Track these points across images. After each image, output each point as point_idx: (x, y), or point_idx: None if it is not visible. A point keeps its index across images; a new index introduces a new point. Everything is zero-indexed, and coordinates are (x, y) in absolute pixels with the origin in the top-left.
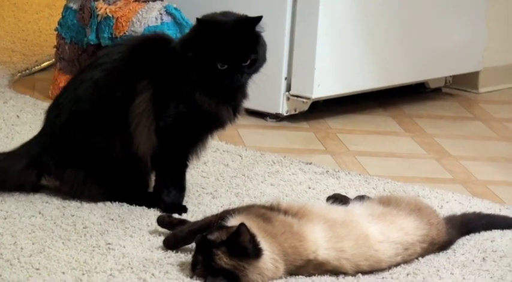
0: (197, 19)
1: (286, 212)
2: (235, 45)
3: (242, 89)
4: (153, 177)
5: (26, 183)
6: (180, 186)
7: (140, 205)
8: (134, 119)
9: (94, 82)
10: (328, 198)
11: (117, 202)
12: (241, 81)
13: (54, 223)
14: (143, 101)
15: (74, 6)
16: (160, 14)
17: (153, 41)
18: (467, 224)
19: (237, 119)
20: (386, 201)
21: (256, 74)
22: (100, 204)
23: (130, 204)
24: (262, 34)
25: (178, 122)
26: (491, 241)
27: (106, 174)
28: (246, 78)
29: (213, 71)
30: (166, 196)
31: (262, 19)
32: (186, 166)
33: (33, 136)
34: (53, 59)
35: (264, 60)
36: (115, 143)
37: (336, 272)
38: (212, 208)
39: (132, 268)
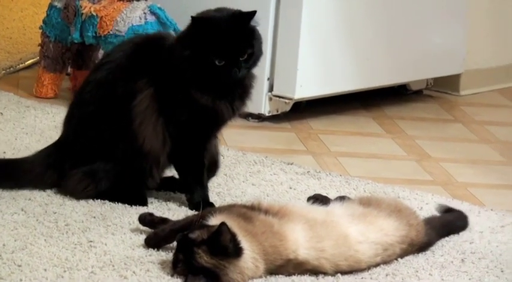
0: (191, 17)
1: (267, 212)
2: (231, 41)
3: (241, 85)
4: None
5: (44, 186)
6: (202, 184)
7: (140, 202)
8: (137, 116)
9: (97, 82)
10: (309, 199)
11: (99, 200)
12: (239, 76)
13: (37, 220)
14: (145, 99)
15: (59, 4)
16: (145, 13)
17: (153, 40)
18: (447, 226)
19: (236, 115)
20: (367, 202)
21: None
22: (82, 202)
23: (130, 203)
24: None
25: (187, 127)
26: (470, 243)
27: (109, 172)
28: (244, 73)
29: (211, 67)
30: (193, 196)
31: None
32: (204, 165)
33: (53, 142)
34: (37, 57)
35: (260, 53)
36: (118, 140)
37: (315, 271)
38: None
39: (113, 266)
